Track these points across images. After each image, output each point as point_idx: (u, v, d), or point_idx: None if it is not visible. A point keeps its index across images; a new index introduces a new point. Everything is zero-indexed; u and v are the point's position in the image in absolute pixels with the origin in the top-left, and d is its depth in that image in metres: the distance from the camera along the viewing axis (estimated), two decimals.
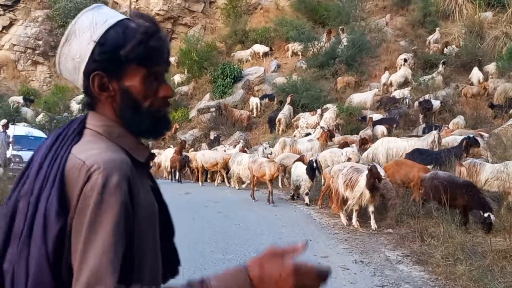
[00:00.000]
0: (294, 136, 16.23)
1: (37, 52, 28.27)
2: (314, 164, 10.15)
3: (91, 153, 1.22)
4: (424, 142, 11.32)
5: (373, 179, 7.69)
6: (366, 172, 7.95)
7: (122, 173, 1.20)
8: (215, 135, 19.19)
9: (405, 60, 19.99)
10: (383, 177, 7.67)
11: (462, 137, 10.73)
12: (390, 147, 11.56)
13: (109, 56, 1.26)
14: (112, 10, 1.36)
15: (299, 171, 10.59)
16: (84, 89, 1.34)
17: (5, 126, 13.94)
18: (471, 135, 10.68)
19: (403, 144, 11.46)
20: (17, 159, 15.08)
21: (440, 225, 6.81)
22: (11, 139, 13.92)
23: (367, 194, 7.85)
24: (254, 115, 20.81)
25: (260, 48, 25.13)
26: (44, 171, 1.24)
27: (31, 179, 1.25)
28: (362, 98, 18.56)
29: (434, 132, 11.56)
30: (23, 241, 1.19)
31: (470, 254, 6.03)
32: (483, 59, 19.76)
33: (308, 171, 10.16)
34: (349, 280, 5.66)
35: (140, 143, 1.37)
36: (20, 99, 24.53)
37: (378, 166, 7.87)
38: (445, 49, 21.04)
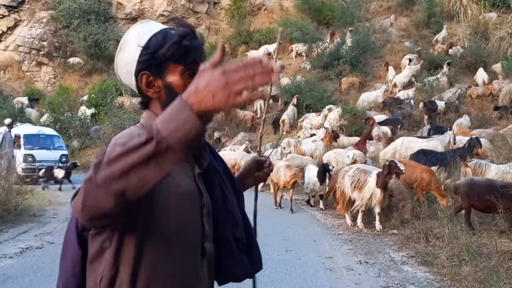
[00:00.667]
0: (298, 137, 16.19)
1: (41, 53, 28.31)
2: (328, 167, 9.78)
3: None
4: (442, 142, 11.30)
5: (389, 175, 7.62)
6: (375, 172, 7.92)
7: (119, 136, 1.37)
8: (217, 136, 19.18)
9: (410, 60, 19.94)
10: (403, 171, 7.61)
11: (466, 138, 10.74)
12: (410, 147, 11.50)
13: (151, 56, 1.45)
14: (157, 22, 1.55)
15: (311, 174, 10.22)
16: (137, 89, 1.52)
17: (10, 126, 13.86)
18: (474, 136, 10.67)
19: (424, 144, 11.39)
20: (30, 159, 15.03)
21: (445, 226, 6.77)
22: (15, 138, 13.86)
23: (378, 193, 7.80)
24: (258, 116, 20.80)
25: (272, 47, 24.98)
26: None
27: None
28: (372, 96, 18.54)
29: (450, 133, 11.56)
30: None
31: (476, 255, 5.99)
32: (488, 59, 19.69)
33: (319, 174, 9.79)
34: (353, 281, 5.64)
35: None
36: (24, 99, 24.56)
37: (396, 161, 7.82)
38: (449, 50, 20.98)
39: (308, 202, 10.79)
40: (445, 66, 19.21)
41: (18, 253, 6.69)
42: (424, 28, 23.86)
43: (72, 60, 27.76)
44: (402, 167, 7.56)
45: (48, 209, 10.16)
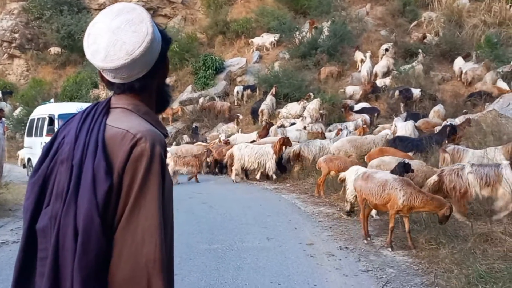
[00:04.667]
0: (282, 125, 16.25)
1: (13, 45, 27.72)
2: (410, 167, 7.59)
3: (131, 124, 1.46)
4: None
5: None
6: (506, 163, 6.93)
7: (162, 144, 1.45)
8: (193, 127, 19.13)
9: (387, 50, 20.11)
10: None
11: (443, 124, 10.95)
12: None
13: (169, 42, 1.64)
14: None
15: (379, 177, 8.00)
16: (147, 70, 1.55)
17: (1, 113, 13.19)
18: (452, 123, 10.88)
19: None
20: None
21: None
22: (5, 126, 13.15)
23: None
24: (235, 104, 20.87)
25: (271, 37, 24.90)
26: (82, 140, 1.46)
27: (69, 147, 1.47)
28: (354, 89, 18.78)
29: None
30: (70, 197, 1.39)
31: (453, 238, 6.14)
32: (462, 47, 19.98)
33: (397, 174, 7.28)
34: (334, 266, 5.72)
35: (159, 120, 1.63)
36: None
37: None
38: (426, 37, 21.21)
39: (349, 212, 8.24)
40: (420, 54, 19.43)
41: None
42: (399, 16, 24.06)
43: (53, 50, 27.14)
44: None
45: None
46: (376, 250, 6.36)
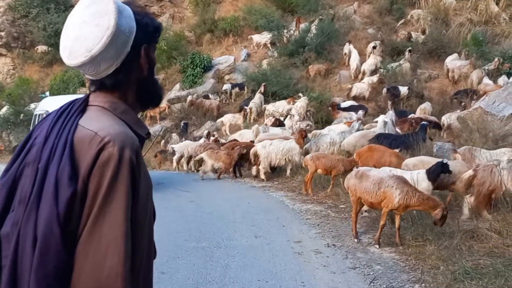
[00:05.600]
0: (266, 124, 16.23)
1: None
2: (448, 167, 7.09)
3: (101, 125, 1.36)
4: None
5: None
6: None
7: (133, 148, 1.34)
8: (182, 123, 19.00)
9: (374, 48, 20.18)
10: None
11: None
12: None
13: (146, 31, 1.53)
14: None
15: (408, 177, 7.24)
16: (120, 65, 1.46)
17: None
18: (429, 121, 11.09)
19: None
20: None
21: None
22: None
23: None
24: (224, 101, 20.83)
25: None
26: (51, 141, 1.36)
27: (38, 148, 1.38)
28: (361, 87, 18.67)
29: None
30: (32, 203, 1.30)
31: (439, 235, 6.19)
32: (449, 45, 20.11)
33: (432, 174, 7.06)
34: (321, 263, 5.73)
35: (140, 120, 1.54)
36: None
37: None
38: (411, 36, 21.31)
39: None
40: (406, 52, 19.52)
41: None
42: (386, 15, 24.14)
43: (40, 48, 26.85)
44: None
45: None
46: (363, 247, 6.38)
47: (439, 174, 6.99)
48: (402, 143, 10.09)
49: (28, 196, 1.32)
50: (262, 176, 12.03)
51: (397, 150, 9.33)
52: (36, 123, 9.97)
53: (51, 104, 10.24)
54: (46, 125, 1.44)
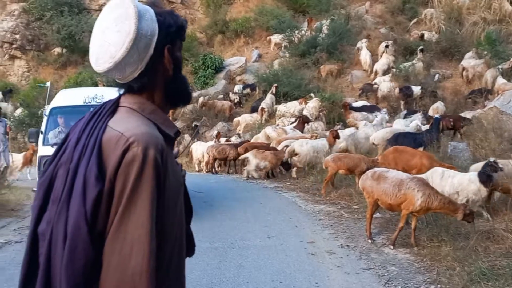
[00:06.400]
0: (277, 125, 16.22)
1: (14, 46, 27.65)
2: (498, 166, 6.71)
3: (128, 126, 1.40)
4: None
5: None
6: None
7: (157, 148, 1.37)
8: (194, 124, 19.02)
9: (387, 47, 20.07)
10: None
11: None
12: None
13: (168, 32, 1.54)
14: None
15: (456, 181, 7.05)
16: (144, 67, 1.49)
17: None
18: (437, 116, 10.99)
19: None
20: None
21: None
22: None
23: None
24: (236, 101, 20.82)
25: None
26: (82, 142, 1.42)
27: (70, 149, 1.43)
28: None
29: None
30: (63, 202, 1.35)
31: (455, 236, 6.13)
32: (462, 45, 19.94)
33: (484, 177, 6.68)
34: (335, 264, 5.71)
35: (168, 119, 1.56)
36: None
37: None
38: (424, 35, 21.17)
39: None
40: (418, 51, 19.38)
41: None
42: (399, 14, 24.02)
43: (56, 50, 27.08)
44: None
45: (27, 203, 9.99)
46: (377, 248, 6.34)
47: (490, 175, 6.53)
48: (423, 141, 9.93)
49: (60, 195, 1.37)
50: (294, 175, 11.99)
51: (420, 149, 9.17)
52: (49, 117, 8.19)
53: (66, 97, 8.67)
54: (79, 127, 1.48)
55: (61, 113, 8.27)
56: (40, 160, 7.53)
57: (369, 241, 6.57)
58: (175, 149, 1.98)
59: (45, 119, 8.37)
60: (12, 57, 27.94)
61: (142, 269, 1.29)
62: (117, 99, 1.54)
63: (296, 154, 11.69)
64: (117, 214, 1.31)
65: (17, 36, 27.60)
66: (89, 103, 8.06)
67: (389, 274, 5.34)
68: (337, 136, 11.74)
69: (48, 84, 17.89)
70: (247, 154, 12.28)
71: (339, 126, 14.16)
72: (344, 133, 12.71)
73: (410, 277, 5.28)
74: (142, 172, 1.32)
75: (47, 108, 8.66)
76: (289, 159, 12.05)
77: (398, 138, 10.21)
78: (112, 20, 1.44)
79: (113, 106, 1.50)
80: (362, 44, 20.79)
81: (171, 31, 1.52)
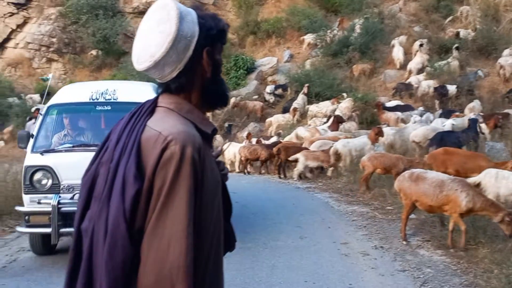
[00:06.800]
0: (309, 125, 16.17)
1: (51, 49, 28.41)
2: None
3: (166, 125, 1.44)
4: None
5: None
6: None
7: (195, 146, 1.40)
8: (227, 125, 19.12)
9: (421, 45, 19.72)
10: None
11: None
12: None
13: (208, 34, 1.55)
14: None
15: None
16: (183, 67, 1.52)
17: (36, 112, 12.51)
18: (474, 117, 10.71)
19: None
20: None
21: None
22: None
23: None
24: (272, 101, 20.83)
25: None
26: (122, 141, 1.47)
27: (111, 148, 1.49)
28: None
29: None
30: (103, 200, 1.41)
31: (492, 238, 5.99)
32: (499, 42, 19.41)
33: None
34: (369, 266, 5.66)
35: (206, 118, 1.60)
36: (36, 96, 24.72)
37: None
38: (460, 33, 20.71)
39: None
40: (453, 50, 18.96)
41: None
42: (433, 12, 23.58)
43: (94, 52, 27.70)
44: None
45: None
46: (412, 249, 6.25)
47: None
48: (464, 140, 9.71)
49: (101, 193, 1.42)
50: (329, 173, 12.00)
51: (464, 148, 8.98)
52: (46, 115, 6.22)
53: (69, 93, 6.73)
54: (120, 126, 1.54)
55: (65, 112, 6.40)
56: (26, 171, 5.75)
57: (404, 242, 6.48)
58: (218, 148, 2.02)
59: (39, 119, 6.50)
60: (50, 60, 28.70)
61: (179, 264, 1.32)
62: (155, 99, 1.58)
63: (339, 154, 11.58)
64: (155, 211, 1.36)
65: (54, 40, 28.34)
66: (96, 100, 6.20)
67: (424, 276, 5.27)
68: (380, 134, 11.50)
69: (50, 76, 17.50)
70: (298, 155, 12.20)
71: (385, 125, 13.86)
72: (386, 131, 12.32)
73: (446, 279, 5.18)
74: (179, 169, 1.36)
75: (44, 106, 6.92)
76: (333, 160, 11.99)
77: (443, 137, 9.94)
78: (155, 21, 1.48)
79: (151, 106, 1.55)
80: (395, 41, 20.54)
81: (212, 33, 1.55)
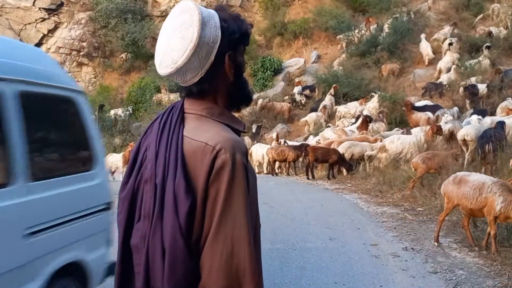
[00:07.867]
0: (337, 126, 16.08)
1: (81, 53, 29.02)
2: None
3: (208, 135, 1.44)
4: None
5: None
6: None
7: (242, 151, 1.43)
8: (256, 127, 19.17)
9: (450, 44, 19.37)
10: None
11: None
12: None
13: (231, 38, 1.54)
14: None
15: None
16: (205, 72, 1.51)
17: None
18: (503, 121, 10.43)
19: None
20: None
21: None
22: None
23: None
24: (299, 100, 20.75)
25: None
26: (162, 156, 1.46)
27: (151, 164, 1.48)
28: None
29: None
30: (156, 218, 1.41)
31: None
32: None
33: None
34: (400, 267, 5.59)
35: (235, 116, 1.61)
36: None
37: None
38: (492, 31, 20.26)
39: None
40: (484, 49, 18.55)
41: None
42: (463, 10, 23.15)
43: (123, 56, 28.16)
44: None
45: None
46: (444, 251, 6.16)
47: None
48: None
49: (152, 212, 1.43)
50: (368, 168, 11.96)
51: None
52: None
53: None
54: (153, 139, 1.53)
55: None
56: None
57: (435, 244, 6.38)
58: None
59: None
60: (80, 64, 29.31)
61: (245, 266, 1.35)
62: (181, 106, 1.57)
63: (386, 151, 11.43)
64: (214, 219, 1.37)
65: (84, 44, 28.94)
66: None
67: (457, 278, 5.18)
68: (438, 132, 11.09)
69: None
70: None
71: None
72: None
73: (480, 281, 5.08)
74: (233, 176, 1.38)
75: None
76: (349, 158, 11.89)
77: (486, 135, 9.66)
78: (177, 26, 1.47)
79: (180, 114, 1.54)
80: (422, 36, 20.28)
81: (234, 38, 1.54)
